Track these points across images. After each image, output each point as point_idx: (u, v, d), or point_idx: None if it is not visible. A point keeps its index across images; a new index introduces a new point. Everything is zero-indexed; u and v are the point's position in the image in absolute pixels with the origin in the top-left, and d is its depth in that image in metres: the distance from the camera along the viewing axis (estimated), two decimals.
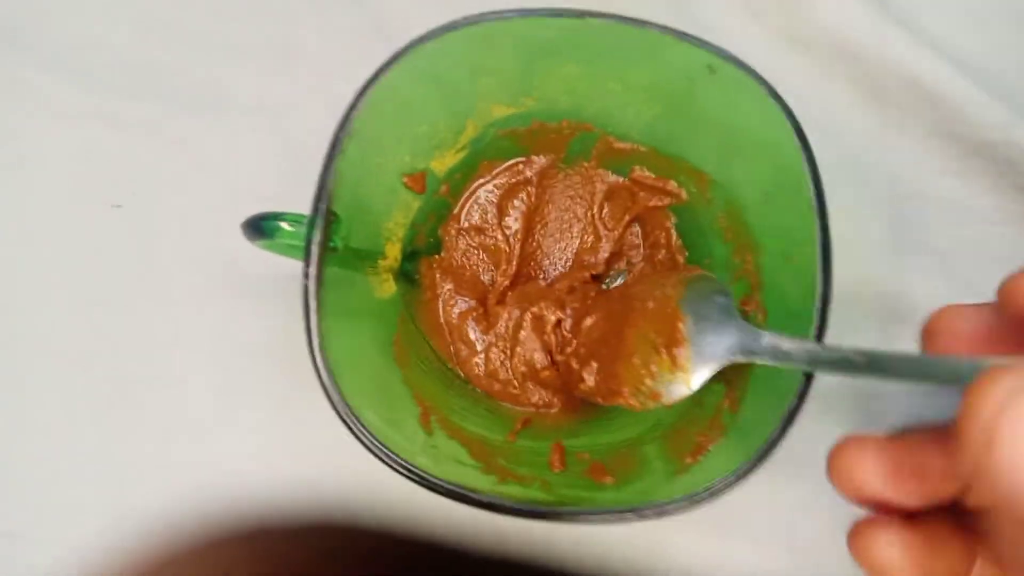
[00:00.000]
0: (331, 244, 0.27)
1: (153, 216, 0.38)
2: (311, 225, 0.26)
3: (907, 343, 0.36)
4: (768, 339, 0.27)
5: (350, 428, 0.25)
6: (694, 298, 0.29)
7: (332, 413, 0.34)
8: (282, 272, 0.36)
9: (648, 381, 0.29)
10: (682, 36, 0.29)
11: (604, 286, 0.36)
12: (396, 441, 0.26)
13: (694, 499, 0.26)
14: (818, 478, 0.36)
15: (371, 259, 0.31)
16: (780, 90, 0.28)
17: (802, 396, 0.26)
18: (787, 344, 0.26)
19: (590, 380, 0.31)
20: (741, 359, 0.27)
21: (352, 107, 0.27)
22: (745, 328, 0.28)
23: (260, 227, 0.28)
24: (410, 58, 0.28)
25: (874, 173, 0.39)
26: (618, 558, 0.35)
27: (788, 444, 0.27)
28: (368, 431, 0.25)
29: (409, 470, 0.25)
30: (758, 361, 0.27)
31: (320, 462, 0.34)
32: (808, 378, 0.26)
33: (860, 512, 0.35)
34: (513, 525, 0.33)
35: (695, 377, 0.28)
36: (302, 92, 0.39)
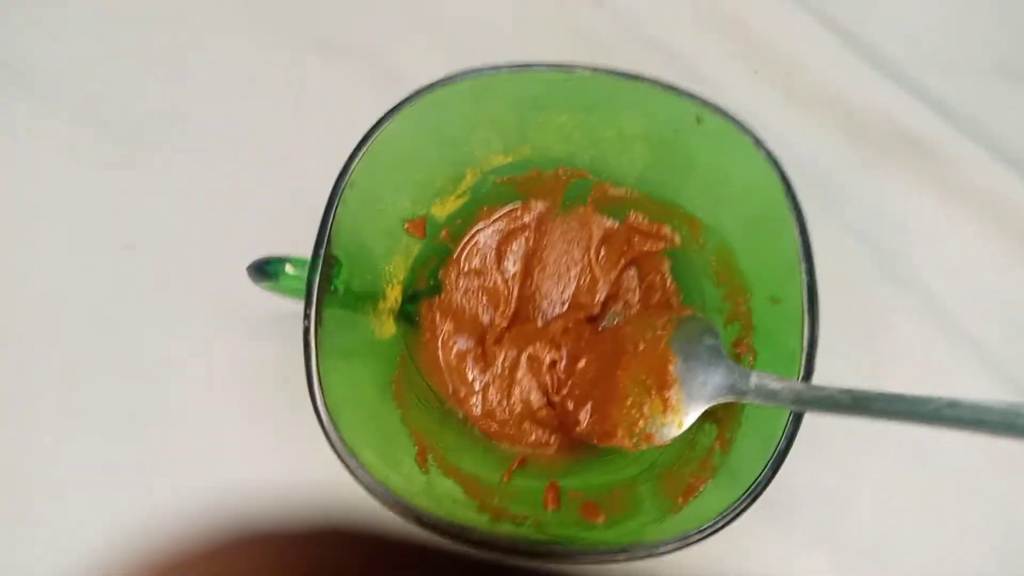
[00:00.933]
0: (332, 287, 0.28)
1: (163, 258, 0.39)
2: (311, 269, 0.27)
3: (895, 379, 0.36)
4: (756, 379, 0.27)
5: (347, 467, 0.26)
6: (683, 339, 0.30)
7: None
8: (286, 311, 0.38)
9: (641, 423, 0.30)
10: (669, 88, 0.30)
11: (601, 328, 0.36)
12: (392, 479, 0.27)
13: (684, 540, 0.26)
14: (811, 519, 0.36)
15: (372, 301, 0.32)
16: (772, 138, 0.30)
17: (790, 438, 0.27)
18: (774, 384, 0.27)
19: (585, 422, 0.32)
20: (730, 399, 0.28)
21: (352, 157, 0.28)
22: (734, 368, 0.28)
23: (264, 270, 0.29)
24: (408, 110, 0.29)
25: (862, 216, 0.40)
26: None
27: (782, 485, 0.27)
28: (364, 469, 0.26)
29: (403, 508, 0.26)
30: (746, 401, 0.28)
31: (318, 470, 0.35)
32: (796, 420, 0.27)
33: (855, 556, 0.35)
34: None
35: (686, 418, 0.29)
36: (311, 138, 0.41)
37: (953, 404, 0.23)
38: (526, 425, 0.34)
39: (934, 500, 0.36)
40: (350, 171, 0.28)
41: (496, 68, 0.30)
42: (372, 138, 0.28)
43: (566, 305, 0.37)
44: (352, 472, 0.26)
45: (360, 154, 0.28)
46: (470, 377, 0.35)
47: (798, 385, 0.27)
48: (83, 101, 0.42)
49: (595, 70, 0.30)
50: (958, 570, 0.35)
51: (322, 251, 0.27)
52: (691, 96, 0.30)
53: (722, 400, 0.28)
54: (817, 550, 0.35)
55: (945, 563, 0.35)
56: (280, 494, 0.34)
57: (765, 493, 0.27)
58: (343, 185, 0.28)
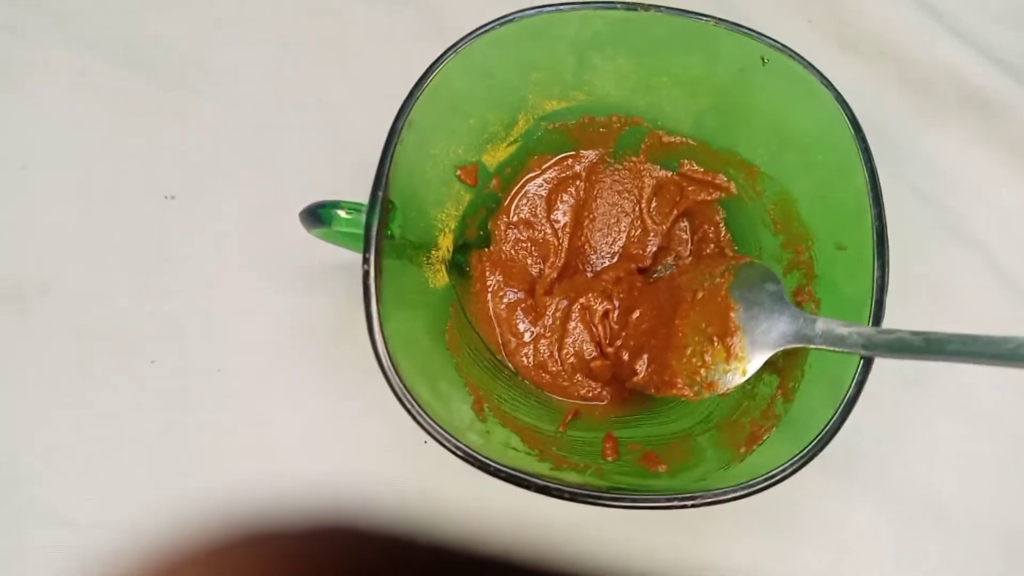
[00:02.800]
0: (388, 232, 0.28)
1: (209, 209, 0.38)
2: (370, 211, 0.27)
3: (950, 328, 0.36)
4: (822, 324, 0.27)
5: (411, 413, 0.26)
6: (743, 286, 0.29)
7: (353, 412, 0.35)
8: (330, 263, 0.37)
9: (703, 371, 0.29)
10: (735, 27, 0.29)
11: (651, 279, 0.36)
12: (454, 425, 0.26)
13: (750, 487, 0.26)
14: (867, 473, 0.35)
15: (425, 250, 0.32)
16: None
17: (860, 384, 0.26)
18: (841, 328, 0.26)
19: (642, 372, 0.31)
20: (796, 345, 0.27)
21: (410, 97, 0.28)
22: (798, 314, 0.28)
23: (318, 215, 0.29)
24: (465, 51, 0.29)
25: (920, 169, 0.39)
26: (652, 550, 0.34)
27: (837, 438, 0.26)
28: (429, 416, 0.25)
29: (466, 453, 0.26)
30: (812, 347, 0.27)
31: (336, 463, 0.35)
32: (867, 365, 0.26)
33: (912, 509, 0.35)
34: (523, 530, 0.32)
35: (750, 365, 0.28)
36: (356, 88, 0.40)
37: None
38: (579, 377, 0.34)
39: (989, 455, 0.36)
40: (409, 110, 0.27)
41: (557, 6, 0.29)
42: (431, 76, 0.28)
43: (616, 257, 0.36)
44: (414, 417, 0.26)
45: (418, 93, 0.27)
46: (521, 328, 0.35)
47: (867, 329, 0.26)
48: (126, 48, 0.41)
49: (658, 8, 0.29)
50: (1015, 528, 0.35)
51: (380, 192, 0.27)
52: (758, 35, 0.29)
53: (788, 347, 0.28)
54: (872, 502, 0.35)
55: (1002, 519, 0.35)
56: (291, 490, 0.34)
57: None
58: (401, 124, 0.27)
